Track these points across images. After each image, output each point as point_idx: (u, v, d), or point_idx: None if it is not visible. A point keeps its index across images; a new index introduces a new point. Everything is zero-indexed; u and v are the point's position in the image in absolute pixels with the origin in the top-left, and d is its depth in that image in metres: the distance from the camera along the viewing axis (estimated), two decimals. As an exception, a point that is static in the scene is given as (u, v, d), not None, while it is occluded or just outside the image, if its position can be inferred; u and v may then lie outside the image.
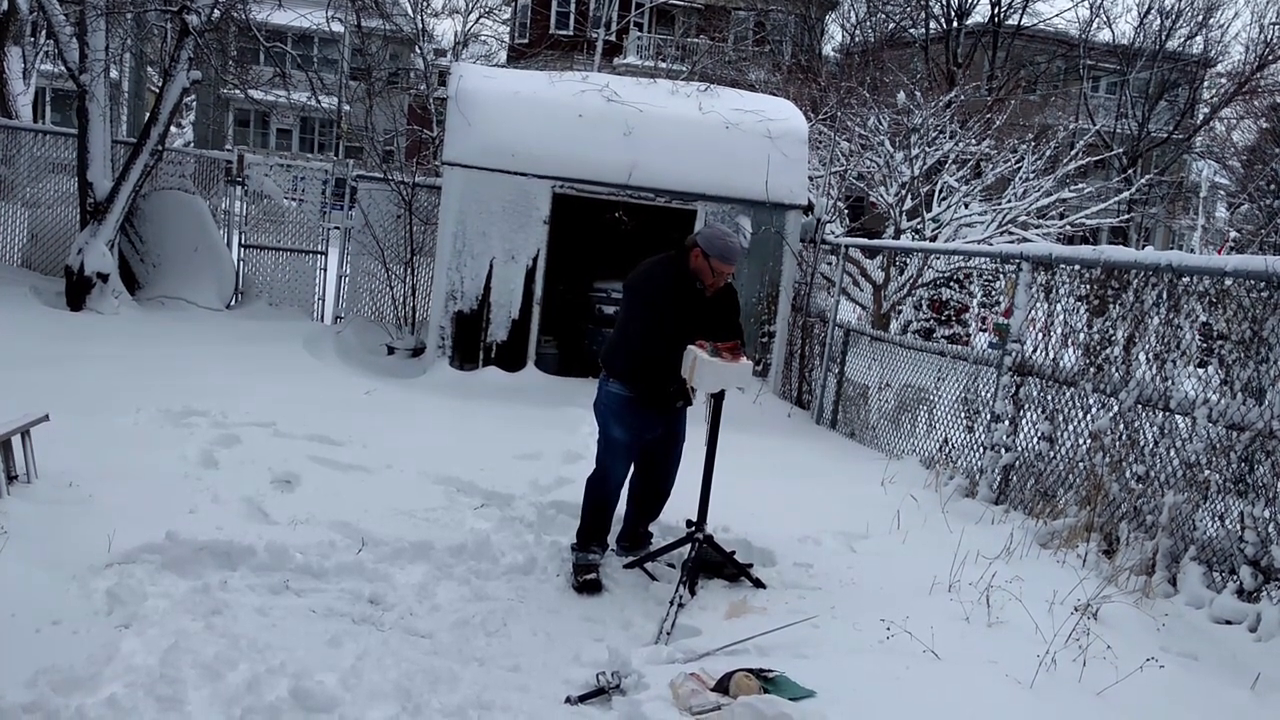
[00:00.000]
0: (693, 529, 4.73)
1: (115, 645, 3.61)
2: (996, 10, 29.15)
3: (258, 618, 4.02)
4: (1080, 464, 5.50)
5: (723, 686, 3.47)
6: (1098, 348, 5.59)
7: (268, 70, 14.73)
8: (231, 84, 16.81)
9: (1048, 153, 13.86)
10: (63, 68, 10.51)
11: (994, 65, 27.96)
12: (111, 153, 10.24)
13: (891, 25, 29.11)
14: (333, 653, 3.80)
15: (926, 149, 12.36)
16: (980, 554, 4.72)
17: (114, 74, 16.16)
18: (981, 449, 6.39)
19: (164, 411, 6.48)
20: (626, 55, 33.79)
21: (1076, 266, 5.87)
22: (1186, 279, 5.06)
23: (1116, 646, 3.69)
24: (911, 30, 28.76)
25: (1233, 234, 24.43)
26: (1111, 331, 5.50)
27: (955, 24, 28.24)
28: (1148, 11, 31.36)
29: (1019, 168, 13.08)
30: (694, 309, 4.63)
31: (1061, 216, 13.77)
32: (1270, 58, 29.27)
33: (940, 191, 12.68)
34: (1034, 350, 6.10)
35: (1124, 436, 5.23)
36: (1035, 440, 5.92)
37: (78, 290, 9.66)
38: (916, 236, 12.15)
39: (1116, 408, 5.28)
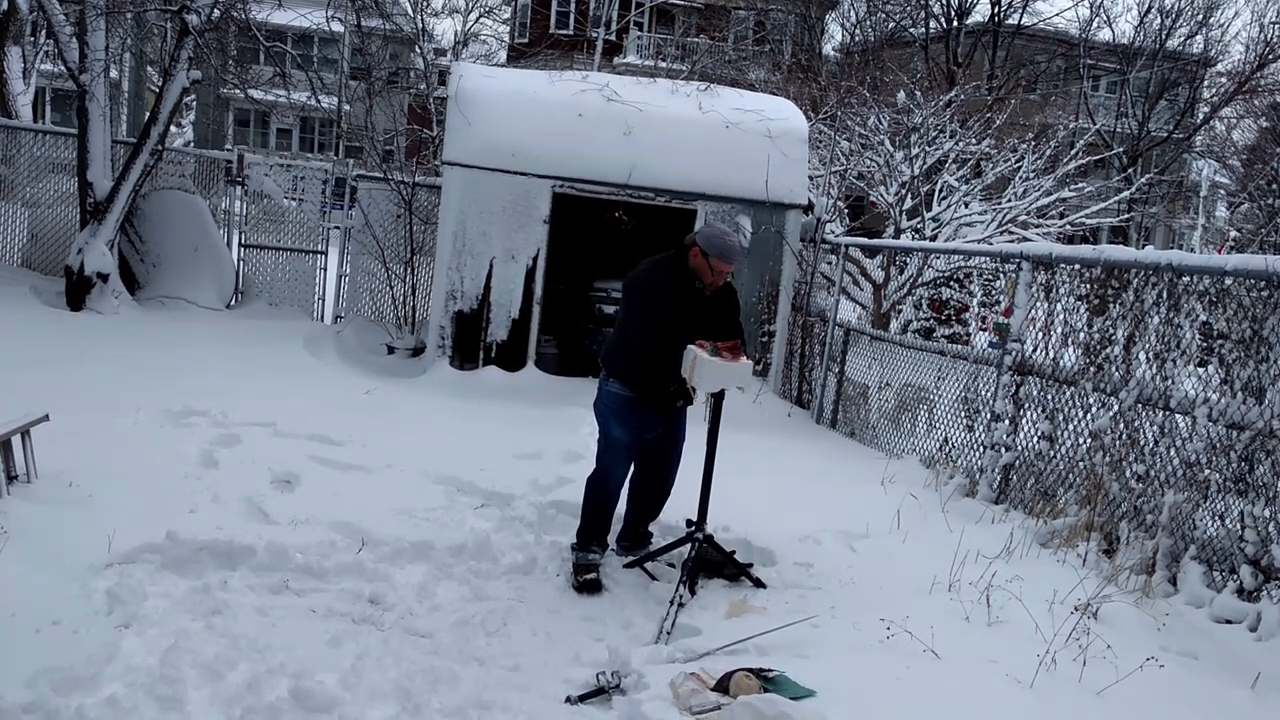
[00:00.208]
0: (693, 529, 4.73)
1: (115, 645, 3.61)
2: (996, 9, 29.15)
3: (258, 618, 4.02)
4: (1080, 463, 5.50)
5: (723, 686, 3.47)
6: (1098, 347, 5.59)
7: (268, 70, 14.74)
8: (231, 84, 16.82)
9: (1048, 152, 13.87)
10: (63, 67, 10.51)
11: (994, 64, 27.96)
12: (111, 152, 10.23)
13: (891, 24, 29.12)
14: (333, 653, 3.80)
15: (926, 148, 12.37)
16: (980, 553, 4.72)
17: (114, 74, 16.16)
18: (981, 448, 6.39)
19: (164, 411, 6.48)
20: (626, 55, 33.79)
21: (1076, 266, 5.87)
22: (1186, 278, 5.05)
23: (1116, 646, 3.69)
24: (911, 29, 28.76)
25: (1233, 233, 24.44)
26: (1111, 331, 5.50)
27: (955, 23, 28.24)
28: (1148, 11, 31.40)
29: (1019, 167, 13.09)
30: (693, 308, 4.63)
31: (1061, 216, 13.77)
32: (1270, 57, 29.28)
33: (940, 191, 12.68)
34: (1034, 349, 6.10)
35: (1124, 436, 5.23)
36: (1035, 439, 5.92)
37: (78, 290, 9.66)
38: (916, 236, 12.15)
39: (1116, 407, 5.28)
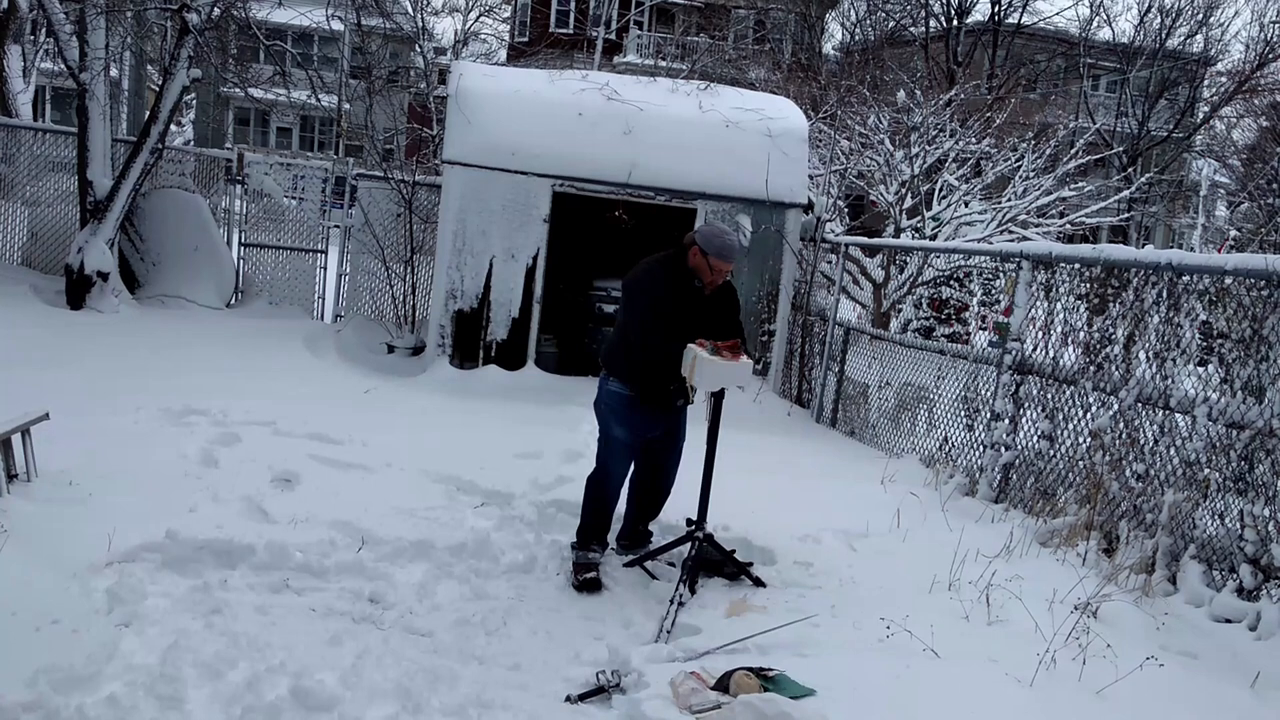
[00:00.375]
0: (693, 527, 4.73)
1: (115, 644, 3.61)
2: (996, 9, 29.15)
3: (258, 616, 4.02)
4: (1080, 462, 5.50)
5: (723, 685, 3.47)
6: (1098, 346, 5.59)
7: (268, 68, 14.74)
8: (231, 82, 16.80)
9: (1048, 151, 13.86)
10: (62, 66, 10.51)
11: (994, 64, 27.95)
12: (111, 151, 10.24)
13: (891, 24, 29.11)
14: (333, 651, 3.80)
15: (926, 147, 12.37)
16: (980, 552, 4.73)
17: (114, 72, 16.18)
18: (981, 447, 6.39)
19: (164, 410, 6.47)
20: (626, 54, 33.78)
21: (1076, 265, 5.87)
22: (1186, 277, 5.05)
23: (1116, 645, 3.69)
24: (911, 29, 28.75)
25: (1233, 232, 24.45)
26: (1111, 330, 5.50)
27: (955, 22, 28.23)
28: (1148, 10, 31.38)
29: (1019, 166, 13.08)
30: (693, 307, 4.63)
31: (1061, 215, 13.77)
32: (1270, 56, 29.28)
33: (940, 190, 12.68)
34: (1034, 349, 6.10)
35: (1124, 435, 5.23)
36: (1035, 439, 5.92)
37: (78, 289, 9.66)
38: (916, 235, 12.15)
39: (1116, 406, 5.28)
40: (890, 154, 12.59)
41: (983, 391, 6.65)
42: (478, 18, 29.89)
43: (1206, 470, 4.73)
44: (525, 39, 33.79)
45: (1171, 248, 17.68)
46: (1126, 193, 17.33)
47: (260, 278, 11.36)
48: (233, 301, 11.09)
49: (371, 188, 10.88)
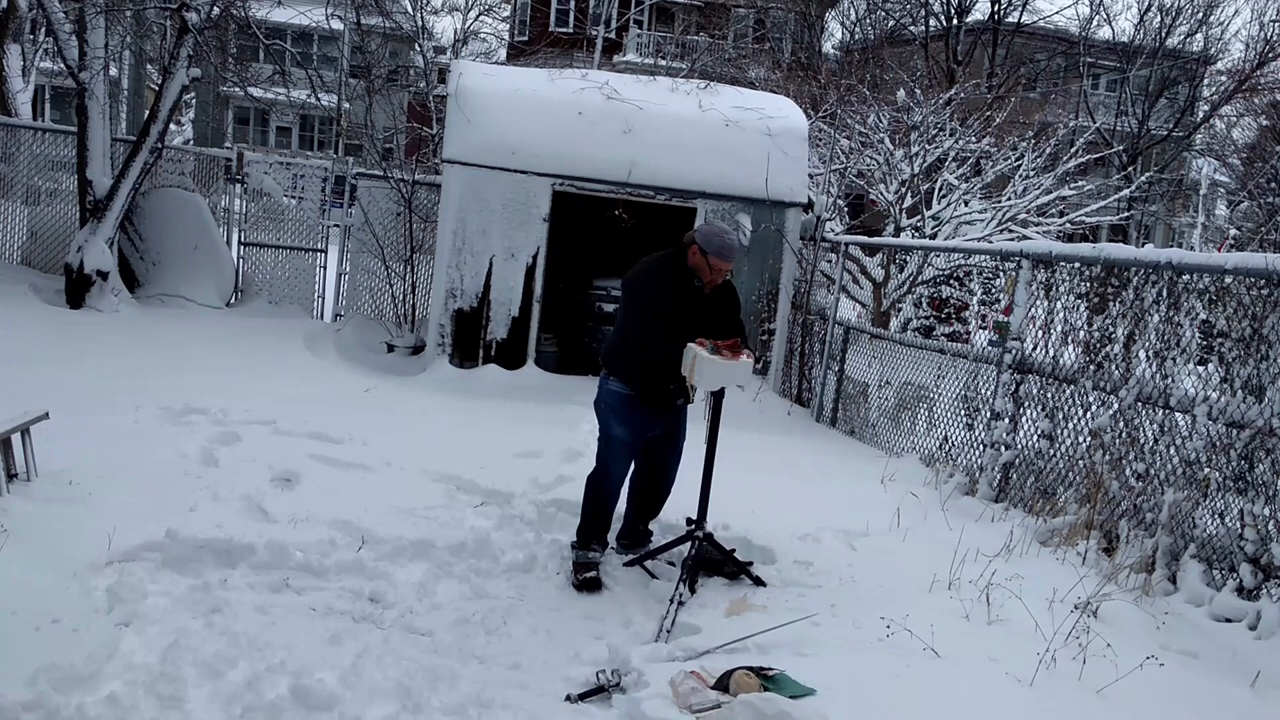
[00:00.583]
0: (693, 527, 4.73)
1: (115, 643, 3.61)
2: (996, 8, 29.13)
3: (258, 616, 4.02)
4: (1080, 462, 5.50)
5: (723, 684, 3.47)
6: (1098, 345, 5.59)
7: (267, 68, 14.73)
8: (231, 81, 16.81)
9: (1048, 150, 13.86)
10: (62, 65, 10.50)
11: (994, 63, 27.94)
12: (111, 150, 10.23)
13: (891, 22, 29.09)
14: (333, 651, 3.80)
15: (926, 146, 12.36)
16: (980, 552, 4.73)
17: (113, 71, 16.17)
18: (981, 447, 6.39)
19: (164, 409, 6.47)
20: (626, 53, 33.77)
21: (1076, 264, 5.87)
22: (1186, 276, 5.06)
23: (1116, 644, 3.69)
24: (911, 28, 28.73)
25: (1233, 231, 24.45)
26: (1111, 329, 5.50)
27: (955, 21, 28.21)
28: (1148, 9, 31.35)
29: (1019, 165, 13.08)
30: (693, 306, 4.63)
31: (1061, 214, 13.77)
32: (1270, 55, 29.27)
33: (940, 189, 12.68)
34: (1034, 348, 6.10)
35: (1124, 434, 5.23)
36: (1035, 438, 5.92)
37: (77, 288, 9.66)
38: (916, 234, 12.15)
39: (1116, 405, 5.28)
40: (890, 153, 12.59)
41: (983, 391, 6.65)
42: (477, 17, 29.90)
43: (1206, 469, 4.73)
44: (525, 38, 33.79)
45: (1171, 247, 17.68)
46: (1126, 192, 17.33)
47: (260, 277, 11.36)
48: (232, 301, 11.09)
49: (371, 187, 10.88)
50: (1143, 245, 17.78)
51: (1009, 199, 12.67)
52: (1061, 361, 5.85)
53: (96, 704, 3.22)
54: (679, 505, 4.98)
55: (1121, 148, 28.56)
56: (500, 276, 9.02)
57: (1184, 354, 5.08)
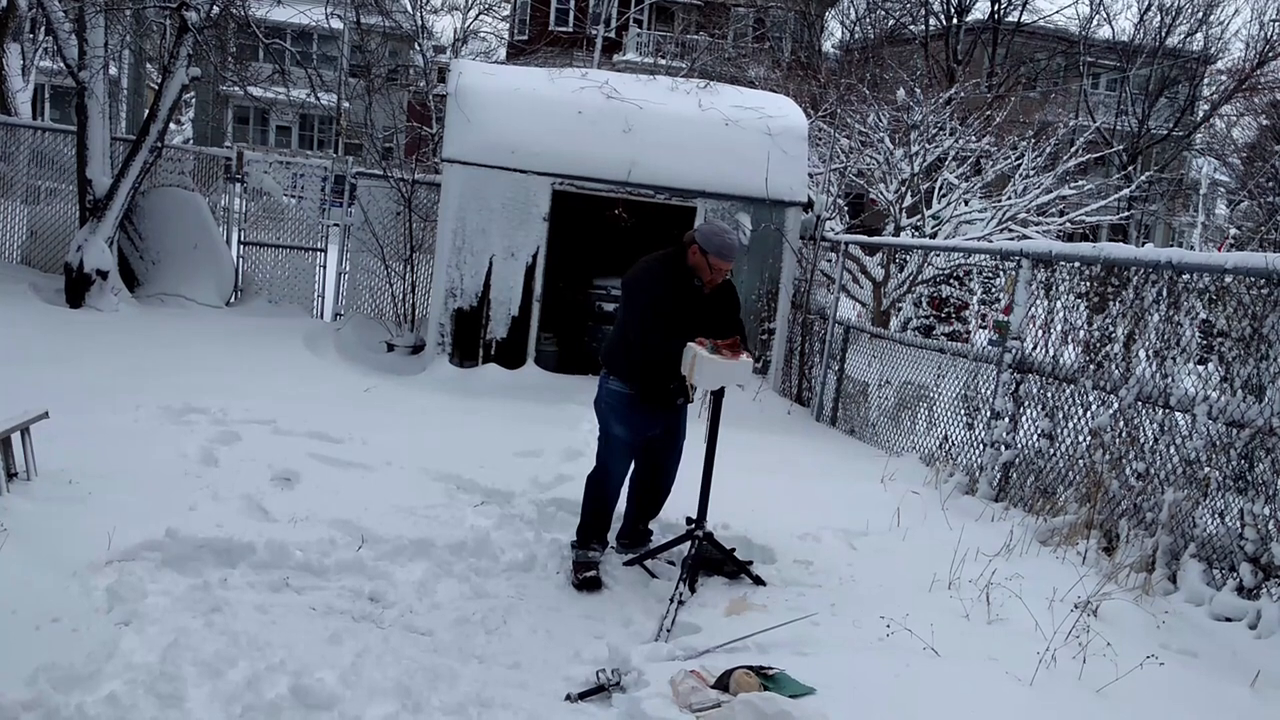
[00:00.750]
0: (693, 526, 4.72)
1: (115, 643, 3.61)
2: (996, 7, 29.13)
3: (257, 615, 4.02)
4: (1080, 461, 5.50)
5: (723, 684, 3.47)
6: (1098, 345, 5.59)
7: (267, 67, 14.73)
8: (231, 80, 16.82)
9: (1048, 150, 13.86)
10: (62, 64, 10.50)
11: (994, 62, 27.94)
12: (111, 149, 10.23)
13: (891, 22, 29.09)
14: (332, 650, 3.79)
15: (926, 146, 12.36)
16: (980, 551, 4.73)
17: (113, 71, 16.17)
18: (981, 446, 6.39)
19: (164, 409, 6.47)
20: (626, 52, 33.76)
21: (1076, 263, 5.87)
22: (1186, 276, 5.05)
23: (1116, 644, 3.69)
24: (911, 27, 28.73)
25: (1233, 231, 24.45)
26: (1111, 328, 5.50)
27: (955, 20, 28.21)
28: (1148, 8, 31.34)
29: (1019, 165, 13.08)
30: (693, 306, 4.62)
31: (1061, 214, 13.77)
32: (1270, 54, 29.26)
33: (940, 188, 12.68)
34: (1034, 347, 6.10)
35: (1124, 433, 5.23)
36: (1035, 437, 5.92)
37: (77, 287, 9.66)
38: (916, 233, 12.15)
39: (1116, 405, 5.28)
40: (890, 152, 12.59)
41: (983, 390, 6.65)
42: (477, 16, 29.84)
43: (1206, 469, 4.73)
44: (525, 37, 33.77)
45: (1171, 246, 17.68)
46: (1126, 191, 17.33)
47: (260, 276, 11.36)
48: (232, 300, 11.08)
49: (371, 186, 10.88)
50: (1143, 245, 17.79)
51: (1009, 198, 12.67)
52: (1061, 361, 5.85)
53: (96, 703, 3.21)
54: (679, 504, 4.98)
55: (1121, 147, 28.56)
56: (500, 276, 9.02)
57: (1184, 353, 5.08)
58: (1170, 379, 5.08)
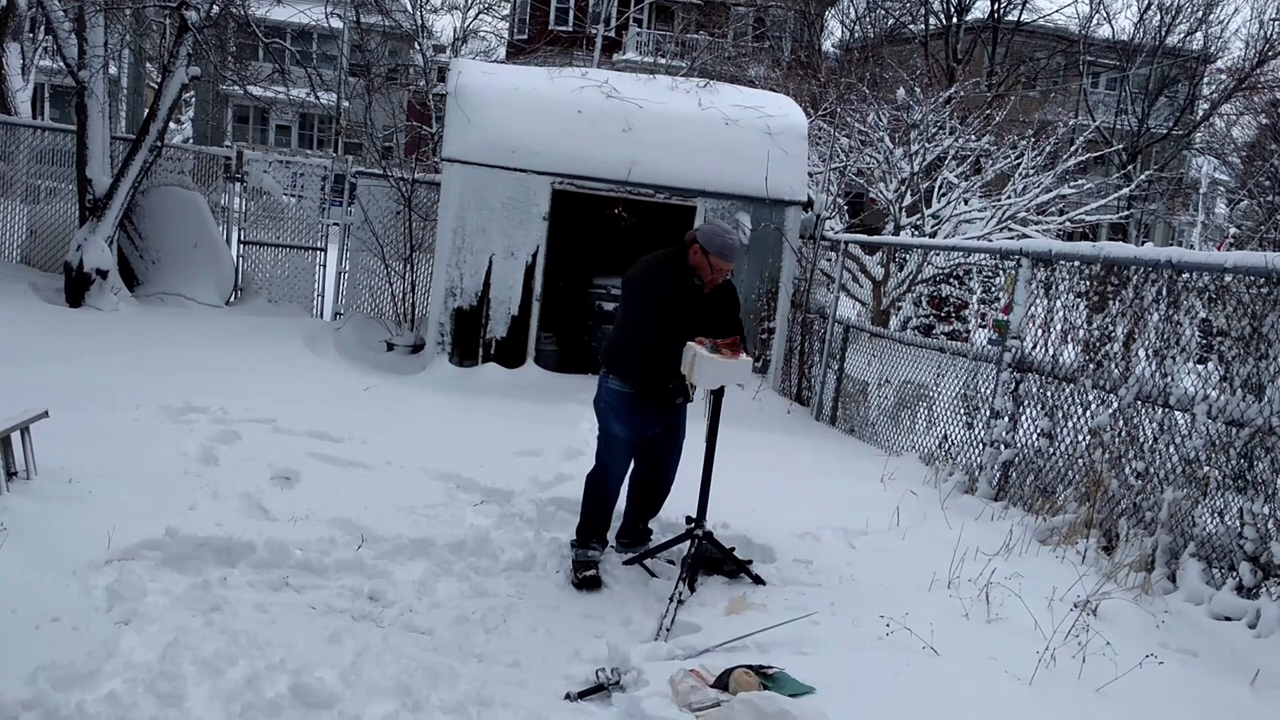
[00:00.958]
0: (692, 525, 4.73)
1: (115, 642, 3.61)
2: (996, 6, 29.11)
3: (257, 614, 4.02)
4: (1080, 460, 5.50)
5: (722, 683, 3.47)
6: (1097, 344, 5.59)
7: (267, 66, 14.73)
8: (230, 80, 16.80)
9: (1047, 149, 13.86)
10: (61, 64, 10.50)
11: (994, 61, 27.92)
12: (110, 149, 10.23)
13: (891, 21, 29.08)
14: (332, 649, 3.80)
15: (926, 145, 12.36)
16: (980, 550, 4.73)
17: (113, 70, 16.16)
18: (981, 445, 6.39)
19: (163, 408, 6.47)
20: (626, 51, 33.76)
21: (1076, 262, 5.87)
22: (1186, 275, 5.05)
23: (1116, 643, 3.69)
24: (911, 26, 28.71)
25: (1232, 230, 24.46)
26: (1111, 328, 5.50)
27: (955, 20, 28.20)
28: (1147, 7, 31.30)
29: (1019, 164, 13.08)
30: (693, 305, 4.63)
31: (1061, 213, 13.76)
32: (1270, 53, 29.23)
33: (940, 188, 12.68)
34: (1033, 346, 6.10)
35: (1123, 433, 5.23)
36: (1035, 436, 5.92)
37: (77, 287, 9.66)
38: (916, 233, 12.15)
39: (1116, 404, 5.28)
40: (890, 151, 12.59)
41: (982, 389, 6.65)
42: (477, 15, 29.80)
43: (1206, 468, 4.73)
44: (524, 36, 33.76)
45: (1171, 245, 17.68)
46: (1126, 190, 17.33)
47: (260, 275, 11.36)
48: (232, 299, 11.08)
49: (371, 185, 10.88)
50: (1142, 244, 17.81)
51: (1009, 197, 12.67)
52: (1061, 360, 5.85)
53: (96, 702, 3.22)
54: (678, 504, 4.98)
55: (1121, 146, 28.54)
56: (500, 275, 9.02)
57: (1183, 352, 5.08)
58: (1170, 378, 5.08)
